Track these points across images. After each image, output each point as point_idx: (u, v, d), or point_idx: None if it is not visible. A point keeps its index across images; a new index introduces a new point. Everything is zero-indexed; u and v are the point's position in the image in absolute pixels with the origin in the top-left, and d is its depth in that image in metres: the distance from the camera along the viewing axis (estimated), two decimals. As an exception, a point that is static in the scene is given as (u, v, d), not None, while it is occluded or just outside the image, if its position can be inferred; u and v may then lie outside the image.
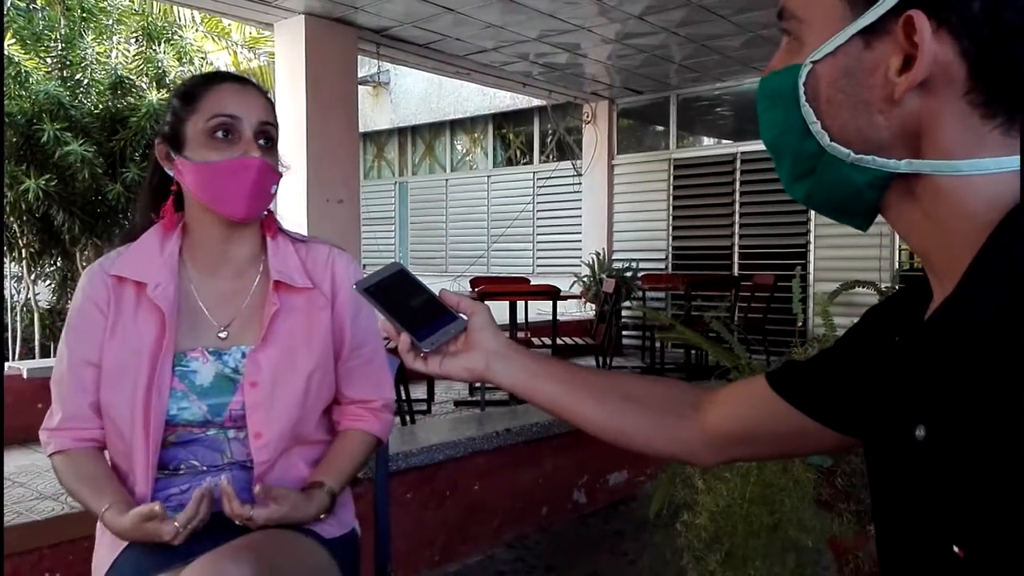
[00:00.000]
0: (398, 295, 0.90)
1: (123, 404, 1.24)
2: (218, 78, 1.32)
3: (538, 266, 9.47)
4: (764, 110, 0.65)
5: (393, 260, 1.01)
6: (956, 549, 0.53)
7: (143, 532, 1.14)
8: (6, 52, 5.14)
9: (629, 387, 0.93)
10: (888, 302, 0.76)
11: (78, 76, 5.59)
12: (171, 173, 1.31)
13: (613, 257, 8.02)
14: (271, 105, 1.34)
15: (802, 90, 0.61)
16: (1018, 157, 0.56)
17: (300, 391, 1.29)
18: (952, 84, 0.55)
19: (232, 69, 8.40)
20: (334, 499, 1.28)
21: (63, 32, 5.69)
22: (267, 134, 1.30)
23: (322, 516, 1.26)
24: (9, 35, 5.30)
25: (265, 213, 1.38)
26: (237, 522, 1.15)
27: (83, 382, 1.27)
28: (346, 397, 1.40)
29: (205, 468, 1.29)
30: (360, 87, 7.08)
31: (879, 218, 0.66)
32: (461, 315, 0.91)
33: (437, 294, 0.92)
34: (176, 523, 1.12)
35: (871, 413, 0.69)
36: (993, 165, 0.56)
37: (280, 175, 1.34)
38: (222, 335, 1.31)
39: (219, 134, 1.25)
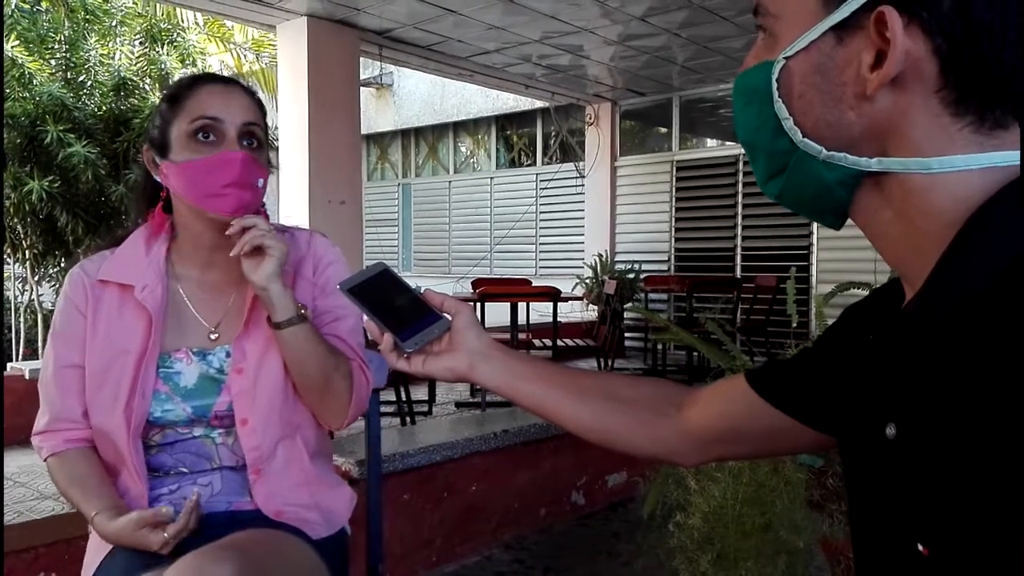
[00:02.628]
0: (382, 295, 0.90)
1: (106, 404, 1.24)
2: (202, 80, 1.30)
3: (541, 268, 9.48)
4: (739, 107, 0.65)
5: (377, 260, 1.01)
6: (921, 548, 0.53)
7: (133, 539, 1.14)
8: (11, 54, 5.16)
9: (613, 387, 0.93)
10: (866, 300, 0.76)
11: (81, 78, 5.61)
12: (158, 178, 1.30)
13: (616, 259, 8.02)
14: (258, 105, 1.32)
15: (775, 86, 0.61)
16: (987, 155, 0.56)
17: (281, 374, 1.28)
18: (923, 81, 0.55)
19: (235, 71, 8.42)
20: (303, 317, 1.24)
21: (67, 34, 5.71)
22: (252, 134, 1.27)
23: (304, 310, 1.25)
24: (13, 37, 5.32)
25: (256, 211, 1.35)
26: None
27: (69, 385, 1.28)
28: None
29: (195, 472, 1.29)
30: (363, 89, 7.11)
31: None
32: (445, 315, 0.91)
33: (420, 293, 0.92)
34: (165, 533, 1.12)
35: (845, 411, 0.69)
36: (962, 163, 0.56)
37: (267, 170, 1.30)
38: (213, 336, 1.31)
39: (201, 136, 1.23)
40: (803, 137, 0.61)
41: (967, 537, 0.49)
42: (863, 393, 0.64)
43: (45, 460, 1.29)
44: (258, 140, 1.29)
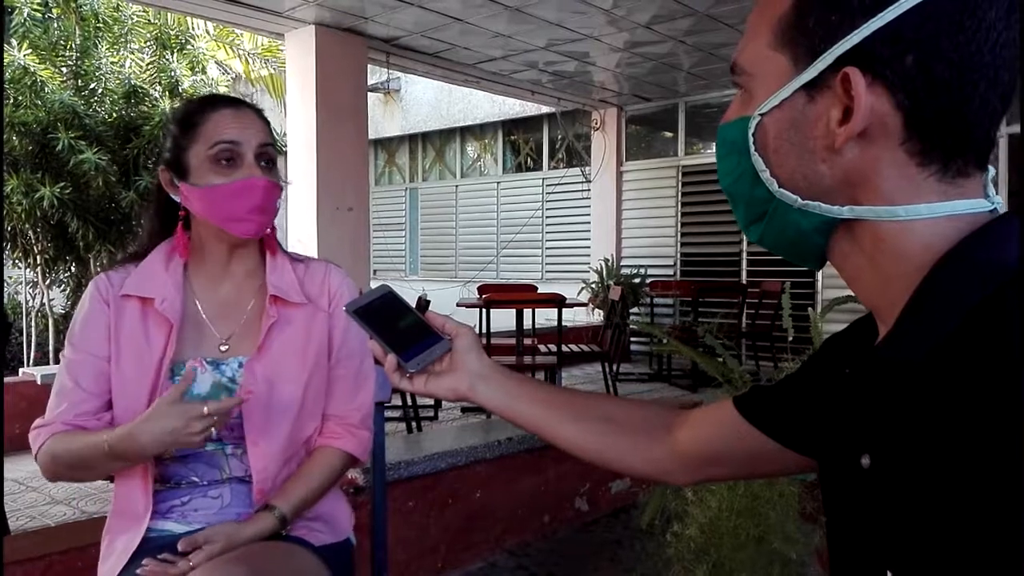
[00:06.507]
0: (386, 317, 0.94)
1: (128, 412, 1.28)
2: (215, 103, 1.35)
3: (547, 272, 9.51)
4: (720, 157, 0.70)
5: (383, 283, 1.05)
6: (890, 574, 0.57)
7: (171, 414, 1.14)
8: (23, 62, 5.22)
9: (607, 409, 0.97)
10: (845, 332, 0.80)
11: (92, 85, 5.66)
12: (177, 199, 1.35)
13: (621, 263, 8.05)
14: (269, 126, 1.38)
15: (751, 140, 0.65)
16: (951, 203, 0.60)
17: (296, 400, 1.34)
18: (889, 134, 0.59)
19: (243, 77, 8.48)
20: (285, 521, 1.28)
21: (78, 42, 5.77)
22: (267, 155, 1.34)
23: (284, 532, 1.29)
24: (25, 45, 5.38)
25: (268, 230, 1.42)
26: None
27: (83, 382, 1.29)
28: (325, 411, 1.41)
29: (205, 483, 1.33)
30: (371, 94, 7.15)
31: None
32: (446, 336, 0.95)
33: (423, 316, 0.96)
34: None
35: (823, 439, 0.73)
36: (927, 211, 0.60)
37: (281, 189, 1.37)
38: (223, 348, 1.36)
39: (221, 160, 1.29)
40: (779, 187, 0.65)
41: (932, 566, 0.53)
42: (840, 423, 0.68)
43: (39, 448, 1.26)
44: (272, 159, 1.36)
